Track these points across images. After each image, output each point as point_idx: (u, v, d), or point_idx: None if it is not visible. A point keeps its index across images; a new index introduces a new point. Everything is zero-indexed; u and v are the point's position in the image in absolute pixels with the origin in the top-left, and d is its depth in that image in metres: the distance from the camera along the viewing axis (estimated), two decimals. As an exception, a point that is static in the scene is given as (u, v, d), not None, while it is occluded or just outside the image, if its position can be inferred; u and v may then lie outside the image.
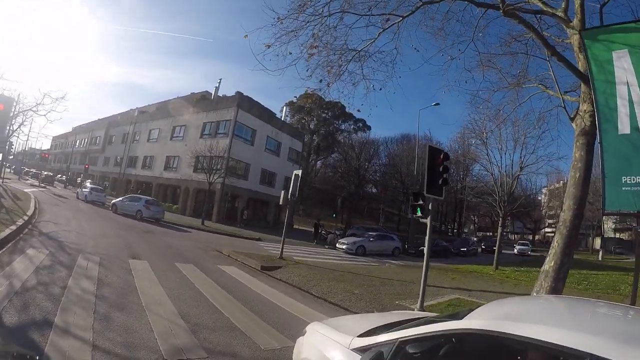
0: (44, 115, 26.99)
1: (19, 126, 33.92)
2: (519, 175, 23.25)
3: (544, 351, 2.06)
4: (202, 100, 43.63)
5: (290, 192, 15.53)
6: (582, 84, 8.06)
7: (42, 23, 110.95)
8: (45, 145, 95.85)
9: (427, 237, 8.69)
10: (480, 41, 10.72)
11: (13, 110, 28.84)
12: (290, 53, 9.65)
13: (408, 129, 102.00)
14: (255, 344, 5.40)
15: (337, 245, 25.49)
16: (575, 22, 8.25)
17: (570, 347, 1.88)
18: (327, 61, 10.06)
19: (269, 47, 9.33)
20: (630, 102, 6.59)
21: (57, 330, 4.71)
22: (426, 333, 2.66)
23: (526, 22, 8.35)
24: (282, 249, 15.15)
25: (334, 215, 54.86)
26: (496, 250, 23.46)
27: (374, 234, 28.37)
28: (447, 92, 14.54)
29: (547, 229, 74.57)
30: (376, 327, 3.38)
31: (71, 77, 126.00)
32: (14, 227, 11.37)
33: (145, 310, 6.09)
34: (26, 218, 14.02)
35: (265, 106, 43.52)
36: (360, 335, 3.14)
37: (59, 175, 59.87)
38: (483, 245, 46.94)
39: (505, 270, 20.73)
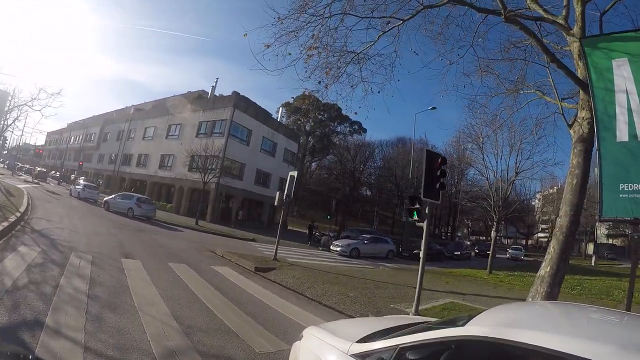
0: (39, 110, 26.81)
1: (14, 121, 33.66)
2: (514, 180, 23.32)
3: (546, 358, 2.03)
4: (198, 99, 43.47)
5: (285, 193, 15.47)
6: (580, 91, 8.06)
7: (40, 18, 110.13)
8: (40, 141, 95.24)
9: (423, 241, 8.65)
10: (480, 46, 10.76)
11: (8, 104, 28.59)
12: (290, 54, 9.61)
13: (404, 132, 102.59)
14: (250, 347, 5.33)
15: (331, 247, 25.38)
16: (576, 29, 8.27)
17: (573, 354, 1.87)
18: (326, 63, 10.02)
19: (268, 47, 9.28)
20: (629, 110, 6.61)
21: (48, 331, 4.62)
22: (427, 340, 2.63)
23: (527, 29, 8.35)
24: (277, 250, 15.07)
25: (328, 217, 54.87)
26: (490, 255, 23.49)
27: (368, 236, 28.32)
28: (445, 96, 14.54)
29: (540, 234, 75.08)
30: (374, 333, 3.35)
31: (68, 72, 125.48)
32: (6, 224, 11.21)
33: (138, 311, 6.01)
34: (18, 214, 13.85)
35: (262, 107, 43.48)
36: (359, 341, 3.09)
37: (53, 172, 59.40)
38: (476, 249, 47.03)
39: (498, 275, 20.77)
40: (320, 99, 12.26)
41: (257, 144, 40.63)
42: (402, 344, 2.69)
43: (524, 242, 68.25)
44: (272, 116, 47.87)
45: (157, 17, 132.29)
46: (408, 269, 19.90)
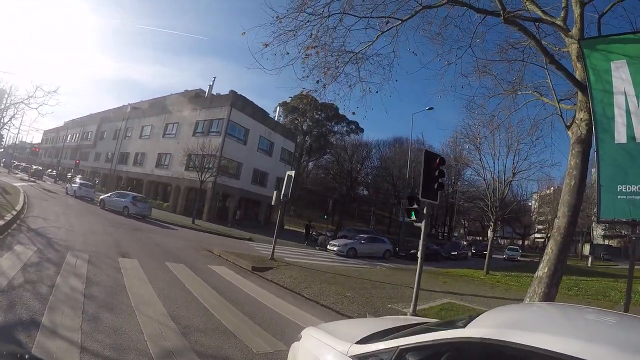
0: (36, 108, 26.49)
1: (10, 119, 33.37)
2: (511, 181, 23.35)
3: None
4: (195, 98, 43.37)
5: (282, 192, 15.44)
6: (579, 92, 8.07)
7: (39, 17, 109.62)
8: (36, 139, 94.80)
9: (421, 241, 8.64)
10: (478, 47, 10.72)
11: (4, 102, 28.40)
12: (288, 53, 9.58)
13: (401, 132, 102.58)
14: (248, 348, 5.31)
15: (328, 246, 25.38)
16: (574, 31, 8.27)
17: (574, 356, 1.87)
18: (324, 62, 9.99)
19: (266, 46, 9.24)
20: (628, 112, 6.61)
21: (45, 331, 4.58)
22: (427, 341, 2.62)
23: (526, 30, 8.36)
24: (274, 249, 15.04)
25: (325, 216, 54.85)
26: (487, 255, 23.53)
27: (365, 236, 28.35)
28: (443, 97, 14.55)
29: (536, 235, 75.23)
30: (373, 334, 3.33)
31: (65, 70, 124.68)
32: (1, 222, 11.15)
33: (134, 311, 5.97)
34: (15, 213, 13.77)
35: (259, 106, 43.49)
36: (358, 342, 3.08)
37: (49, 170, 59.14)
38: (473, 250, 47.13)
39: (495, 275, 20.81)
40: (317, 98, 12.24)
41: (254, 143, 40.59)
42: (402, 345, 2.68)
43: (520, 242, 68.34)
44: (269, 115, 47.81)
45: (157, 16, 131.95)
46: (405, 269, 19.92)
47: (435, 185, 8.40)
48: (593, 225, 46.50)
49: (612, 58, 6.98)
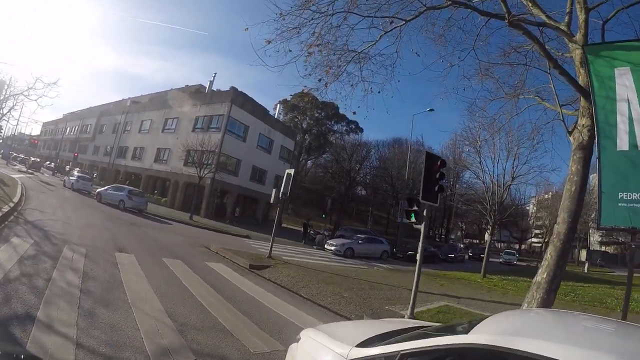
0: (35, 100, 26.37)
1: (9, 110, 33.19)
2: (510, 185, 23.35)
3: None
4: (196, 94, 43.28)
5: (281, 190, 15.39)
6: (581, 98, 8.04)
7: (39, 9, 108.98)
8: (35, 131, 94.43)
9: (420, 243, 8.63)
10: (481, 50, 10.69)
11: (4, 93, 28.27)
12: (290, 50, 9.52)
13: (400, 132, 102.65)
14: (244, 347, 5.28)
15: (325, 246, 25.35)
16: (579, 37, 8.24)
17: None
18: (326, 61, 9.95)
19: (269, 43, 9.18)
20: (630, 119, 6.59)
21: (40, 326, 4.54)
22: (429, 347, 2.59)
23: (530, 34, 8.32)
24: (271, 248, 15.00)
25: (323, 215, 54.74)
26: (484, 258, 23.53)
27: (362, 236, 28.33)
28: (445, 99, 14.52)
29: (533, 239, 75.40)
30: (373, 337, 3.31)
31: (65, 63, 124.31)
32: (-2, 214, 11.10)
33: (131, 307, 5.93)
34: (12, 205, 13.72)
35: (259, 103, 43.36)
36: (358, 345, 3.06)
37: (48, 162, 58.97)
38: (470, 253, 47.18)
39: (492, 279, 20.80)
40: (319, 97, 12.19)
41: (254, 140, 40.52)
42: (404, 350, 2.66)
43: (517, 246, 68.45)
44: (270, 113, 47.71)
45: (159, 11, 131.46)
46: (402, 270, 19.91)
47: (436, 188, 8.38)
48: (590, 231, 46.58)
49: (616, 65, 6.95)
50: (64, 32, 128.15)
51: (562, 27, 8.50)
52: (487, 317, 3.09)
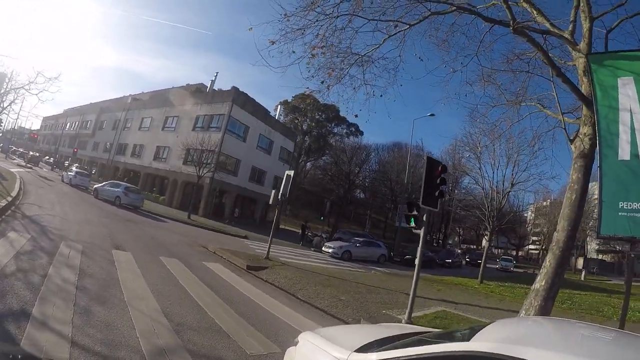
0: (36, 94, 26.25)
1: (10, 104, 33.03)
2: (509, 191, 23.35)
3: None
4: (197, 92, 43.22)
5: (280, 192, 15.35)
6: (584, 106, 8.05)
7: (43, 2, 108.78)
8: (35, 125, 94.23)
9: (419, 248, 8.59)
10: (484, 56, 10.70)
11: (4, 86, 28.17)
12: (294, 52, 9.52)
13: (400, 136, 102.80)
14: (241, 348, 5.24)
15: (323, 248, 25.31)
16: (582, 45, 8.24)
17: None
18: (329, 63, 9.95)
19: (273, 44, 9.17)
20: (632, 129, 6.58)
21: (35, 323, 4.50)
22: (432, 353, 2.57)
23: (535, 42, 8.32)
24: (269, 249, 14.95)
25: (322, 217, 54.71)
26: (482, 264, 23.51)
27: (360, 239, 28.29)
28: (447, 104, 14.55)
29: (531, 246, 75.39)
30: (372, 342, 3.29)
31: (67, 58, 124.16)
32: (-4, 209, 11.05)
33: (127, 306, 5.89)
34: (10, 199, 13.67)
35: (260, 104, 43.32)
36: (358, 351, 3.04)
37: (47, 157, 58.84)
38: (467, 258, 47.14)
39: (489, 285, 20.77)
40: (321, 99, 12.29)
41: (254, 140, 40.45)
42: (404, 356, 2.64)
43: (514, 253, 68.47)
44: (270, 113, 47.68)
45: (161, 9, 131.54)
46: (400, 275, 19.89)
47: (436, 193, 8.35)
48: (588, 239, 46.60)
49: (619, 74, 6.95)
50: (66, 28, 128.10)
51: (566, 36, 8.50)
52: (488, 324, 3.07)
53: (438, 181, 8.37)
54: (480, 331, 2.72)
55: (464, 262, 43.49)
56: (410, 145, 43.32)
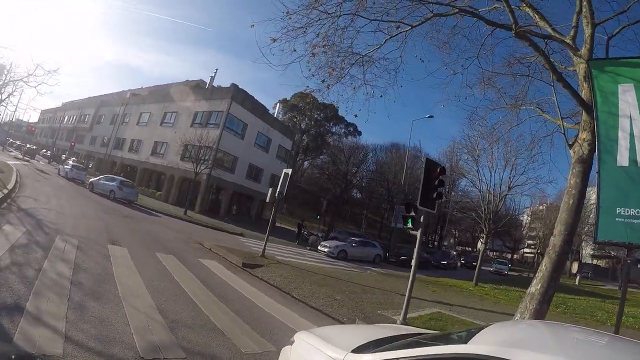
0: (35, 87, 26.09)
1: (8, 96, 32.81)
2: (506, 195, 23.41)
3: None
4: (196, 89, 43.01)
5: (278, 190, 15.32)
6: (583, 112, 8.06)
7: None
8: (33, 118, 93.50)
9: (416, 249, 8.58)
10: (484, 59, 10.71)
11: (3, 78, 27.99)
12: (295, 50, 9.49)
13: (398, 137, 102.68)
14: (235, 346, 5.22)
15: (318, 247, 25.30)
16: (584, 51, 8.26)
17: None
18: (330, 62, 9.93)
19: (274, 41, 9.15)
20: (632, 135, 6.61)
21: (28, 317, 4.46)
22: (429, 355, 2.57)
23: (536, 46, 8.33)
24: (265, 247, 14.92)
25: (318, 216, 54.79)
26: (477, 267, 23.57)
27: (356, 239, 28.32)
28: (446, 106, 14.54)
29: (526, 250, 75.65)
30: (369, 343, 3.28)
31: (66, 52, 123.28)
32: (-9, 201, 10.98)
33: (122, 302, 5.85)
34: (6, 192, 13.59)
35: (259, 101, 43.21)
36: (354, 351, 3.02)
37: (44, 150, 58.53)
38: (462, 260, 47.26)
39: (484, 287, 20.84)
40: (320, 98, 12.16)
41: (252, 138, 40.38)
42: (402, 358, 2.64)
43: (509, 256, 68.70)
44: (269, 111, 47.58)
45: (162, 5, 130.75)
46: (395, 275, 19.90)
47: (434, 195, 8.34)
48: (583, 244, 46.77)
49: (620, 81, 6.97)
50: (66, 21, 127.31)
51: (568, 41, 8.52)
52: (484, 327, 3.08)
53: (436, 183, 8.36)
54: (478, 334, 2.72)
55: (459, 264, 43.60)
56: (408, 146, 43.41)
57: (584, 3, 8.57)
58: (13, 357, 1.83)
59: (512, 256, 70.29)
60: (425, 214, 8.66)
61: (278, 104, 61.93)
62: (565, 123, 9.45)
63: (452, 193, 55.01)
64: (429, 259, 33.28)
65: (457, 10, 8.90)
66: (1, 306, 4.59)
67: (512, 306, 12.98)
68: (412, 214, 8.53)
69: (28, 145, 51.00)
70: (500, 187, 23.08)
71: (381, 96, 11.03)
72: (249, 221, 38.35)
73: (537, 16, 8.96)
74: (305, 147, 68.00)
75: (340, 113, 56.54)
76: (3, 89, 29.86)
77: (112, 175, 28.25)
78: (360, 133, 68.98)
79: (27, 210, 11.95)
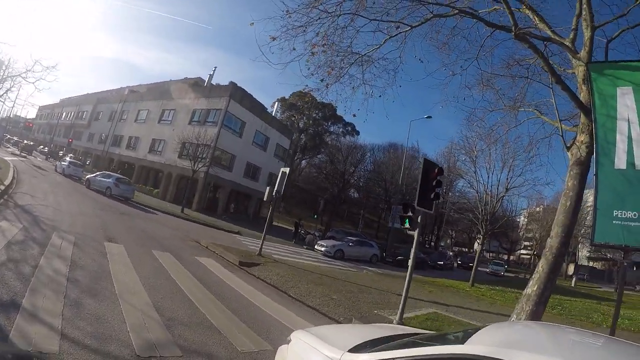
0: (33, 83, 25.96)
1: (6, 92, 32.61)
2: (503, 196, 23.45)
3: None
4: (194, 86, 42.93)
5: (275, 189, 15.31)
6: (582, 114, 8.08)
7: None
8: (31, 114, 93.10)
9: (413, 249, 8.58)
10: (483, 60, 10.73)
11: (1, 74, 27.85)
12: (294, 49, 9.48)
13: (396, 137, 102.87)
14: (232, 345, 5.21)
15: (315, 246, 25.30)
16: (583, 54, 8.28)
17: None
18: (329, 61, 9.92)
19: (274, 40, 9.13)
20: (630, 138, 6.62)
21: (25, 314, 4.44)
22: (425, 355, 2.57)
23: (536, 48, 8.34)
24: (262, 246, 14.91)
25: (315, 216, 54.69)
26: (474, 268, 23.62)
27: (353, 239, 28.35)
28: (445, 106, 14.52)
29: (522, 251, 75.79)
30: (365, 342, 3.28)
31: (65, 48, 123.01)
32: (-13, 196, 10.93)
33: (118, 299, 5.84)
34: (2, 188, 13.54)
35: (258, 100, 43.14)
36: (351, 351, 3.02)
37: (41, 147, 58.33)
38: (459, 261, 47.32)
39: (480, 288, 20.89)
40: (319, 98, 12.14)
41: (250, 136, 40.34)
42: (398, 357, 2.64)
43: (505, 257, 68.89)
44: (267, 110, 47.53)
45: (163, 2, 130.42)
46: (392, 275, 19.93)
47: (432, 195, 8.36)
48: (579, 246, 46.91)
49: (619, 84, 6.99)
50: (66, 18, 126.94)
51: (567, 43, 8.53)
52: (481, 327, 3.08)
53: (434, 183, 8.37)
54: (474, 334, 2.72)
55: (455, 264, 43.66)
56: (406, 146, 43.43)
57: (584, 6, 8.59)
58: (10, 355, 1.82)
59: (509, 257, 70.47)
60: (423, 214, 8.66)
61: (276, 103, 61.81)
62: (563, 125, 9.46)
63: (450, 194, 55.10)
64: (425, 260, 33.27)
65: (457, 11, 8.92)
66: (-3, 302, 4.57)
67: (508, 307, 13.02)
68: (410, 214, 8.55)
69: (25, 142, 50.87)
70: (498, 189, 23.12)
71: (380, 96, 11.04)
72: (246, 219, 38.33)
73: (536, 18, 8.98)
74: (303, 146, 68.00)
75: (339, 112, 56.68)
76: (1, 84, 29.67)
77: (108, 172, 28.20)
78: (358, 133, 69.14)
79: (24, 206, 11.90)
